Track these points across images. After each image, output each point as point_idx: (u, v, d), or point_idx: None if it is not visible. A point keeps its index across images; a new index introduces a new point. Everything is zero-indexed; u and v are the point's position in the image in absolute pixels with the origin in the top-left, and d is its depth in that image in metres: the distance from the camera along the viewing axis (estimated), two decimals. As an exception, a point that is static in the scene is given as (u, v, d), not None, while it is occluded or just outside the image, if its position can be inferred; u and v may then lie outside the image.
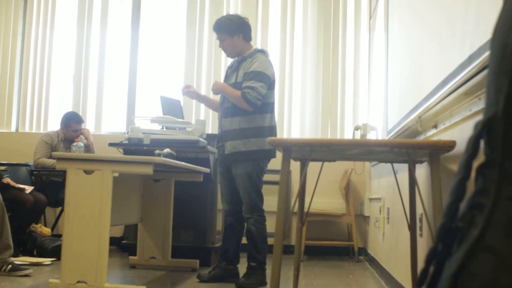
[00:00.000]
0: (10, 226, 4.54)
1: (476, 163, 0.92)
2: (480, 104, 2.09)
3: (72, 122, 6.25)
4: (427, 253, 0.88)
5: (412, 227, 3.20)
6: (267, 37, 7.13)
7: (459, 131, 2.46)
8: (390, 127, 4.52)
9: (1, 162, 5.86)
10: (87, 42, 7.37)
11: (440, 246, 0.88)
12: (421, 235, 3.28)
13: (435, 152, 2.57)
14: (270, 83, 4.54)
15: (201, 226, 5.41)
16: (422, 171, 3.24)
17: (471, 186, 0.91)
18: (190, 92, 4.82)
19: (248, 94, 4.39)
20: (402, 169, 3.70)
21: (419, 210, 3.22)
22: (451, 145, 2.42)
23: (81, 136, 6.25)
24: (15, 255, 4.92)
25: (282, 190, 2.79)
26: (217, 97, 4.88)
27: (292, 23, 7.13)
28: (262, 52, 4.65)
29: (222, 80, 4.86)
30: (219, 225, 5.72)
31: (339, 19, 7.07)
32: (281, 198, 2.79)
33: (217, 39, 4.68)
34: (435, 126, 2.84)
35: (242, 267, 4.63)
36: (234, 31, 4.58)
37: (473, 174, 0.90)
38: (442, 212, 2.49)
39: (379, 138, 5.40)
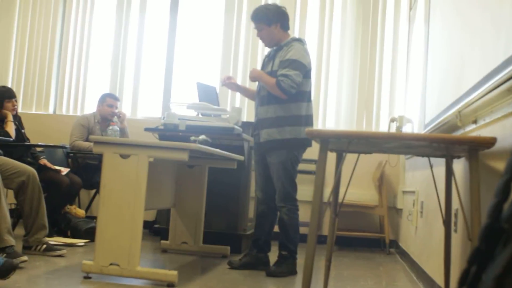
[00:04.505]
0: (46, 206, 4.61)
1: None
2: (523, 101, 2.05)
3: (107, 97, 6.38)
4: (470, 253, 0.88)
5: (447, 223, 3.17)
6: (305, 27, 7.09)
7: (500, 127, 2.43)
8: (427, 120, 4.47)
9: (38, 143, 5.94)
10: (125, 26, 7.42)
11: (483, 247, 0.87)
12: (455, 230, 3.25)
13: (475, 148, 2.53)
14: (306, 72, 4.52)
15: (233, 213, 5.43)
16: (459, 166, 3.21)
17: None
18: (231, 84, 4.83)
19: (282, 82, 4.39)
20: (438, 164, 3.66)
21: (454, 205, 3.19)
22: (491, 141, 2.38)
23: (116, 120, 6.30)
24: (50, 235, 4.99)
25: (318, 181, 2.78)
26: (255, 87, 4.88)
27: (331, 13, 7.08)
28: (299, 40, 4.63)
29: (259, 68, 4.85)
30: (251, 212, 5.74)
31: (378, 9, 7.00)
32: (316, 189, 2.78)
33: (255, 29, 4.68)
34: (475, 122, 2.80)
35: (273, 256, 4.65)
36: (271, 21, 4.57)
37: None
38: (483, 210, 2.47)
39: (415, 131, 5.35)
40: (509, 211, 0.86)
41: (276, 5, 4.69)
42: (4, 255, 3.80)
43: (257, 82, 4.71)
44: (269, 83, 4.46)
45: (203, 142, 4.47)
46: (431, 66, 4.59)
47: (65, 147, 6.22)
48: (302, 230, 4.66)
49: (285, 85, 4.38)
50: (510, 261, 0.78)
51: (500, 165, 2.45)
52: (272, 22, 4.57)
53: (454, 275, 3.11)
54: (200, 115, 5.32)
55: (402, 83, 6.82)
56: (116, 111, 6.36)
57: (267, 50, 4.87)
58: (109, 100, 6.35)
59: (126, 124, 6.36)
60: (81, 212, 5.84)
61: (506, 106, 2.27)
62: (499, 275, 0.77)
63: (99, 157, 5.40)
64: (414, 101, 5.69)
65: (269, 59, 4.68)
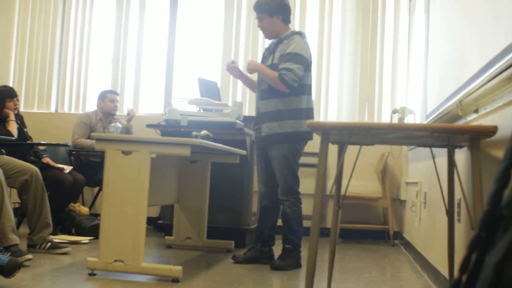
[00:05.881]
0: (49, 205, 4.62)
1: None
2: (524, 89, 2.05)
3: (107, 93, 6.41)
4: (470, 240, 0.87)
5: (450, 212, 3.16)
6: (305, 19, 7.08)
7: (501, 116, 2.42)
8: (429, 111, 4.47)
9: (41, 142, 5.95)
10: (125, 23, 7.41)
11: (483, 234, 0.87)
12: (459, 220, 3.25)
13: (476, 137, 2.53)
14: (307, 65, 4.52)
15: (237, 208, 5.43)
16: (461, 156, 3.20)
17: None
18: (235, 68, 4.81)
19: (285, 75, 4.39)
20: (441, 154, 3.65)
21: (457, 195, 3.18)
22: (493, 130, 2.38)
23: (119, 118, 6.31)
24: (54, 233, 5.02)
25: (320, 173, 2.78)
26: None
27: (331, 5, 7.06)
28: (299, 34, 4.62)
29: (259, 62, 4.83)
30: (255, 207, 5.74)
31: (378, 0, 6.98)
32: (318, 181, 2.78)
33: (256, 19, 4.67)
34: (476, 111, 2.79)
35: (277, 249, 4.65)
36: (274, 12, 4.57)
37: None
38: (485, 199, 2.46)
39: (417, 122, 5.34)
40: (509, 197, 0.86)
41: (280, -3, 4.67)
42: (9, 253, 3.81)
43: (257, 75, 4.70)
44: (271, 76, 4.46)
45: (205, 137, 4.47)
46: (432, 56, 4.58)
47: (67, 145, 6.23)
48: (306, 223, 4.66)
49: (288, 79, 4.38)
50: (510, 248, 0.77)
51: (501, 154, 2.45)
52: (274, 13, 4.56)
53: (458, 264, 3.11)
54: (201, 111, 5.31)
55: (403, 74, 6.81)
56: (128, 108, 6.39)
57: (267, 44, 4.86)
58: (109, 96, 6.37)
59: (131, 124, 6.34)
60: (85, 209, 5.84)
61: (506, 94, 2.27)
62: (499, 262, 0.77)
63: (102, 155, 5.41)
64: (416, 92, 5.69)
65: (269, 52, 4.67)
